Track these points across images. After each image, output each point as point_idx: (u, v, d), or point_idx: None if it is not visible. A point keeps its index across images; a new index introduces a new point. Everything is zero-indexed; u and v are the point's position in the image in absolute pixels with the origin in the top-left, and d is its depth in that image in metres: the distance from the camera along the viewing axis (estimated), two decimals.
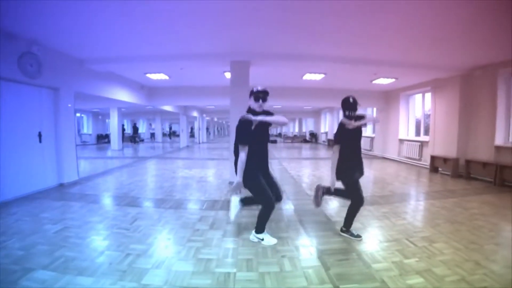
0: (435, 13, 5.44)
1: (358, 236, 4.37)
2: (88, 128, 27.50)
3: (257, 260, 3.67)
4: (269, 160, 4.39)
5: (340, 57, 8.40)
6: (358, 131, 4.32)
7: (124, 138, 24.52)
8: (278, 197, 4.27)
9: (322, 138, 27.93)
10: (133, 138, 27.83)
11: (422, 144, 12.16)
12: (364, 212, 5.57)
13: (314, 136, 30.59)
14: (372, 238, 4.38)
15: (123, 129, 25.81)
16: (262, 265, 3.56)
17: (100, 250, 3.91)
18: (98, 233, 4.53)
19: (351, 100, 4.20)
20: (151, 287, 3.11)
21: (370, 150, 17.06)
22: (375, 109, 17.01)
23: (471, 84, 9.66)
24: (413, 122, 13.72)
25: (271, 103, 16.61)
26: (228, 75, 9.87)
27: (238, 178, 3.95)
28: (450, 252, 3.85)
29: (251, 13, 5.66)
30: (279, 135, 51.45)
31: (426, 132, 12.30)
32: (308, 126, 35.94)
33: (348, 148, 4.26)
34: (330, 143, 23.94)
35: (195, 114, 25.47)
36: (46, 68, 7.30)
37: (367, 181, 8.83)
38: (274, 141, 31.47)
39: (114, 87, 11.32)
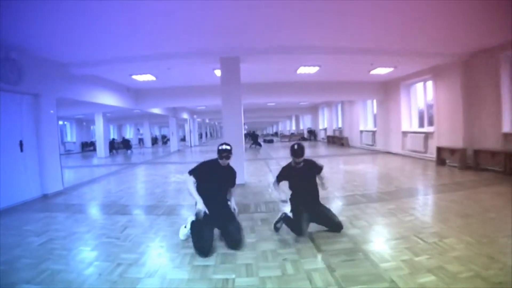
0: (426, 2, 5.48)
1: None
2: (72, 136, 27.38)
3: (257, 265, 3.62)
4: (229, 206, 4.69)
5: (334, 48, 8.42)
6: (305, 173, 4.79)
7: (114, 146, 24.46)
8: (230, 244, 4.20)
9: (321, 135, 27.93)
10: (125, 142, 27.69)
11: (427, 135, 12.14)
12: (368, 209, 5.56)
13: (312, 134, 30.61)
14: (379, 237, 4.35)
15: (114, 141, 25.74)
16: (263, 269, 3.51)
17: (88, 261, 3.84)
18: (86, 243, 4.47)
19: (295, 147, 4.77)
20: None
21: (372, 145, 17.07)
22: (375, 101, 17.04)
23: (473, 70, 9.66)
24: (415, 112, 13.68)
25: (265, 100, 16.61)
26: (218, 72, 9.85)
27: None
28: (462, 247, 3.81)
29: (239, 5, 5.67)
30: (276, 134, 51.56)
31: (430, 123, 12.28)
32: (305, 123, 35.95)
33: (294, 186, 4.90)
34: (330, 140, 23.94)
35: (185, 116, 25.42)
36: (26, 73, 7.26)
37: (371, 177, 8.83)
38: (271, 141, 31.49)
39: (98, 91, 11.27)
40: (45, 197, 7.71)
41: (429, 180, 8.22)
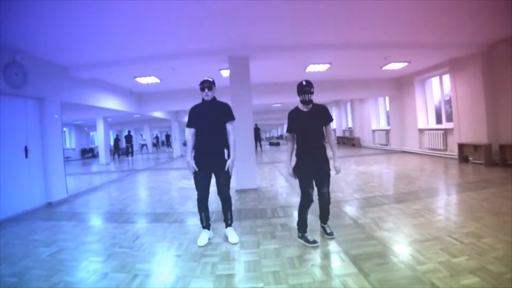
0: None
1: (314, 241, 4.26)
2: (71, 142, 27.45)
3: (285, 272, 3.54)
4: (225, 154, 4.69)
5: (345, 44, 8.41)
6: (313, 118, 4.39)
7: (118, 150, 24.47)
8: (221, 196, 4.70)
9: None
10: (128, 148, 27.62)
11: (446, 132, 12.08)
12: (393, 211, 5.49)
13: None
14: (409, 238, 4.26)
15: (118, 140, 25.70)
16: (291, 276, 3.43)
17: (103, 272, 3.78)
18: (98, 253, 4.40)
19: (304, 82, 4.46)
20: None
21: (386, 145, 17.01)
22: (387, 98, 16.99)
23: (494, 60, 9.58)
24: (432, 108, 13.64)
25: (272, 101, 16.55)
26: (224, 73, 9.86)
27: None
28: (502, 247, 3.72)
29: (248, 3, 5.70)
30: (281, 136, 51.45)
31: (449, 119, 12.21)
32: None
33: (300, 138, 4.42)
34: (340, 141, 23.89)
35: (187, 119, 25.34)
36: (31, 77, 7.30)
37: (390, 177, 8.78)
38: (277, 144, 31.40)
39: (101, 95, 11.36)
40: (49, 205, 7.69)
41: (454, 178, 8.14)
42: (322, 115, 4.44)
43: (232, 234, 4.66)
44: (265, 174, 11.09)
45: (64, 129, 26.58)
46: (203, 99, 4.71)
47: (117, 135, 26.15)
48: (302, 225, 4.43)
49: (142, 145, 30.71)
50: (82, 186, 10.86)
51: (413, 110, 14.16)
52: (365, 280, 3.23)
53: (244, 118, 8.28)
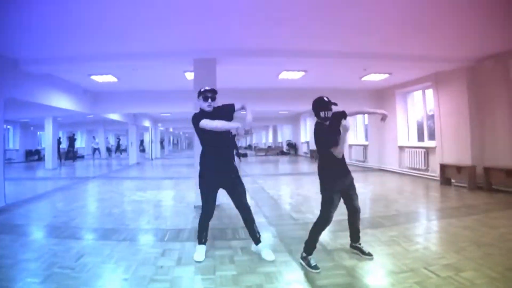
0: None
1: (316, 267, 4.21)
2: (14, 142, 26.54)
3: None
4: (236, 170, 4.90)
5: (322, 51, 8.51)
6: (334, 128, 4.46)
7: (59, 154, 23.85)
8: (243, 207, 4.85)
9: (303, 149, 28.01)
10: (69, 153, 26.92)
11: (428, 150, 12.26)
12: (366, 237, 5.41)
13: (292, 147, 30.73)
14: (382, 269, 4.21)
15: (59, 142, 25.02)
16: None
17: None
18: (35, 274, 4.18)
19: (325, 99, 4.51)
20: None
21: (363, 161, 17.18)
22: (366, 116, 17.18)
23: (481, 77, 9.81)
24: (414, 124, 13.88)
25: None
26: (189, 75, 9.78)
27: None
28: (484, 282, 3.70)
29: (217, 2, 5.70)
30: (249, 147, 51.57)
31: (431, 136, 12.43)
32: (284, 135, 36.06)
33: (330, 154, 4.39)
34: (313, 155, 24.00)
35: (147, 123, 25.17)
36: None
37: (366, 199, 8.79)
38: (245, 155, 31.35)
39: (52, 92, 11.14)
40: None
41: (435, 202, 8.26)
42: (337, 117, 4.57)
43: (267, 251, 4.68)
44: None
45: (8, 127, 25.77)
46: (203, 110, 4.68)
47: (59, 137, 25.44)
48: (312, 248, 4.40)
49: (95, 149, 30.06)
50: (24, 193, 10.48)
51: (394, 125, 14.33)
52: None
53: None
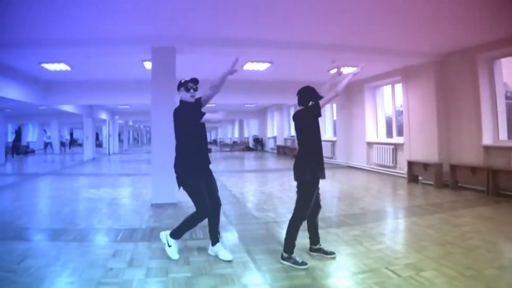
0: None
1: (303, 263, 4.33)
2: None
3: None
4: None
5: (288, 42, 8.57)
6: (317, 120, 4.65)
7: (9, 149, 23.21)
8: (217, 203, 4.77)
9: (270, 144, 28.15)
10: (16, 147, 26.20)
11: (396, 147, 12.54)
12: (329, 236, 5.51)
13: (259, 143, 30.86)
14: (343, 270, 4.29)
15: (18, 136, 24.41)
16: None
17: None
18: None
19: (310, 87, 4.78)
20: None
21: (331, 158, 17.36)
22: (334, 105, 17.38)
23: (448, 73, 10.13)
24: (382, 120, 14.17)
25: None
26: (148, 65, 9.65)
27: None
28: (443, 281, 3.81)
29: None
30: (214, 142, 51.41)
31: (400, 133, 12.70)
32: (251, 130, 36.12)
33: (315, 140, 4.57)
34: (280, 151, 24.15)
35: (103, 116, 24.76)
36: None
37: (331, 196, 8.93)
38: (208, 150, 31.26)
39: None
40: None
41: (401, 200, 8.45)
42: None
43: (224, 251, 4.70)
44: None
45: None
46: (184, 101, 4.72)
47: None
48: (292, 245, 4.44)
49: (46, 144, 29.34)
50: None
51: (362, 121, 14.63)
52: None
53: (166, 117, 8.09)
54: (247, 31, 7.86)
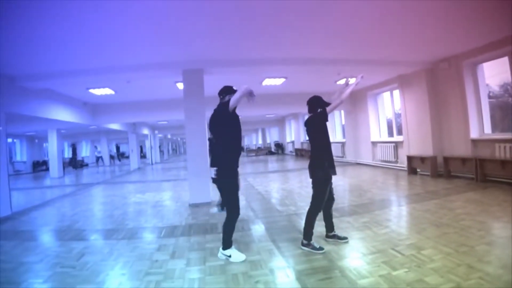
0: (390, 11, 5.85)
1: (321, 248, 4.39)
2: (22, 155, 26.22)
3: None
4: None
5: (300, 59, 8.62)
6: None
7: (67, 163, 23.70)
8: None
9: (289, 148, 28.12)
10: (73, 161, 26.73)
11: (397, 144, 12.49)
12: (342, 224, 5.53)
13: (280, 147, 30.81)
14: (355, 252, 4.33)
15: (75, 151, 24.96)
16: None
17: None
18: (37, 275, 4.17)
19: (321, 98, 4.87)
20: None
21: (342, 157, 17.28)
22: (342, 111, 17.33)
23: (438, 78, 10.09)
24: (384, 122, 14.07)
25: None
26: (180, 85, 9.76)
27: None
28: (440, 258, 3.84)
29: (202, 16, 5.70)
30: (241, 148, 51.44)
31: (400, 132, 12.61)
32: (272, 137, 36.11)
33: (326, 141, 4.70)
34: (298, 153, 24.11)
35: (145, 131, 25.05)
36: None
37: (343, 189, 8.90)
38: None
39: (52, 106, 10.96)
40: None
41: (402, 190, 8.38)
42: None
43: (236, 252, 4.42)
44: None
45: (15, 140, 25.45)
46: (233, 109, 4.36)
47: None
48: (310, 233, 4.52)
49: (98, 158, 29.84)
50: (30, 201, 10.32)
51: (367, 123, 14.59)
52: None
53: (197, 132, 8.23)
54: (266, 51, 7.94)
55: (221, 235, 4.42)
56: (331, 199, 4.78)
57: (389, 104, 13.49)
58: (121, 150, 43.43)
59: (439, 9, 5.87)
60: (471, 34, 7.50)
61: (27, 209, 8.86)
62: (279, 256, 4.36)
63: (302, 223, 5.39)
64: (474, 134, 9.01)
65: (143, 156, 33.14)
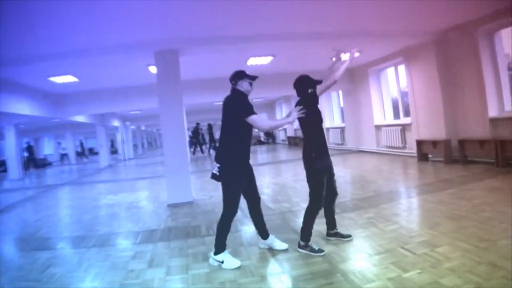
0: None
1: (320, 250, 4.35)
2: None
3: None
4: None
5: (288, 34, 8.53)
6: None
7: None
8: (258, 198, 4.72)
9: (281, 136, 28.13)
10: (31, 161, 26.49)
11: (404, 128, 12.47)
12: (344, 221, 5.51)
13: (270, 135, 30.80)
14: (359, 252, 4.30)
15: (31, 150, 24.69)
16: None
17: None
18: None
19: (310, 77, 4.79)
20: None
21: (341, 144, 17.34)
22: (340, 92, 17.31)
23: (449, 49, 10.07)
24: (389, 102, 14.07)
25: (211, 99, 16.38)
26: (152, 69, 9.66)
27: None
28: (457, 255, 3.82)
29: None
30: None
31: (407, 113, 12.62)
32: None
33: (317, 127, 4.66)
34: (291, 142, 24.12)
35: (116, 123, 24.89)
36: None
37: (344, 181, 8.92)
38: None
39: (8, 98, 10.77)
40: None
41: (412, 180, 8.44)
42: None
43: (278, 241, 4.70)
44: (204, 184, 10.86)
45: None
46: (243, 93, 4.54)
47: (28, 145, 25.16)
48: (309, 234, 4.47)
49: (62, 155, 29.62)
50: None
51: (369, 104, 14.54)
52: None
53: (174, 121, 8.16)
54: (247, 27, 7.84)
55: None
56: (333, 193, 4.75)
57: (394, 81, 13.45)
58: (90, 145, 43.13)
59: None
60: None
61: None
62: (272, 260, 4.33)
63: (297, 221, 5.40)
64: (492, 112, 8.98)
65: (114, 151, 32.96)
